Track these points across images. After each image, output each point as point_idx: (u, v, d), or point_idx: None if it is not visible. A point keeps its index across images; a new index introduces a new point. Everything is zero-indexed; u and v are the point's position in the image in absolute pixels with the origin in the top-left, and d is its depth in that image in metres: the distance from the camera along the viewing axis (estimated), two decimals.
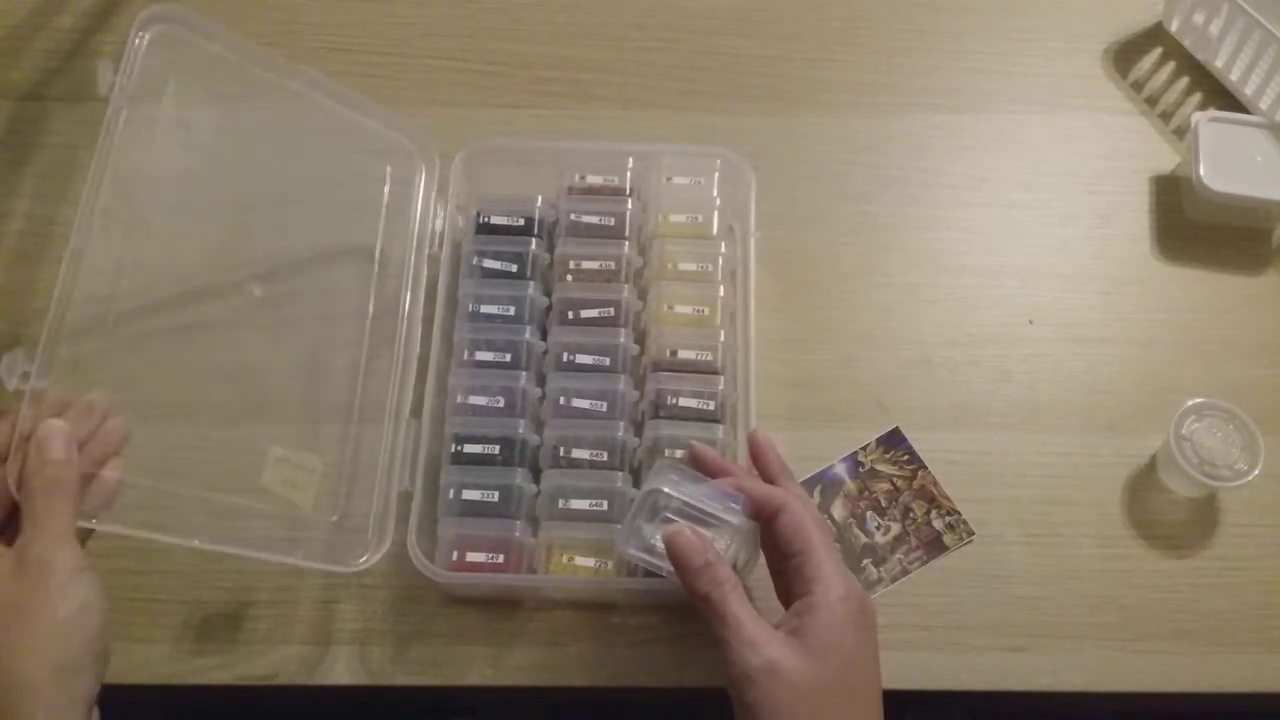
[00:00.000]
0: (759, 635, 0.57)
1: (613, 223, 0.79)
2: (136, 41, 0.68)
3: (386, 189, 0.80)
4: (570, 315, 0.76)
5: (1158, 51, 0.92)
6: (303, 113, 0.76)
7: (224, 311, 0.76)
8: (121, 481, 0.62)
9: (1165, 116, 0.90)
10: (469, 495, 0.70)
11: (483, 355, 0.74)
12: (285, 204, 0.79)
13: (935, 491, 0.75)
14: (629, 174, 0.80)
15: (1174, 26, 0.92)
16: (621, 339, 0.75)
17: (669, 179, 0.80)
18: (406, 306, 0.76)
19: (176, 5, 0.69)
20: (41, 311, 0.69)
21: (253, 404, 0.74)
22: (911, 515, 0.75)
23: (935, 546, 0.74)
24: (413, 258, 0.78)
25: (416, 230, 0.78)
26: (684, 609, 0.70)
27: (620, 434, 0.72)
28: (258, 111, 0.77)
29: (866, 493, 0.75)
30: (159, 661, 0.69)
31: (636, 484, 0.72)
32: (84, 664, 0.55)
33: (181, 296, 0.76)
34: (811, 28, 0.93)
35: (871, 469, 0.76)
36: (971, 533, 0.74)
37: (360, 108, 0.78)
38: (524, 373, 0.74)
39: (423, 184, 0.80)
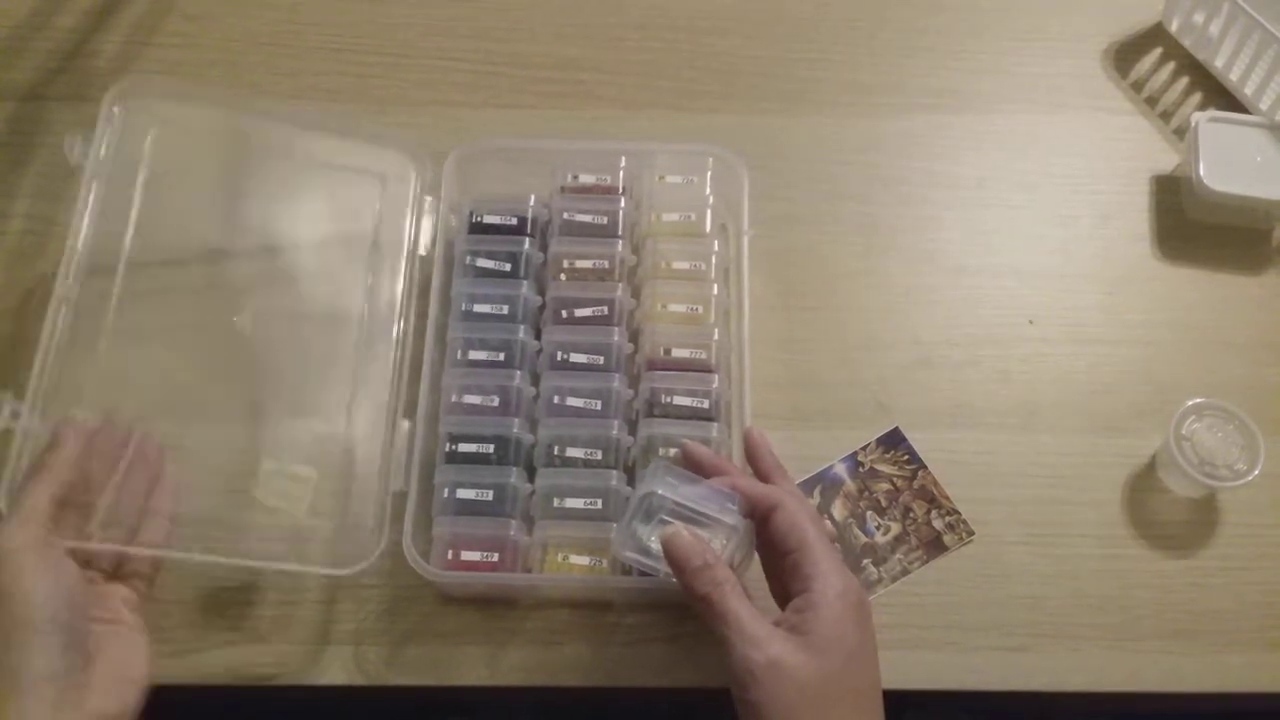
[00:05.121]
0: (761, 633, 0.57)
1: (605, 221, 0.78)
2: (110, 116, 0.73)
3: (380, 192, 0.79)
4: (564, 314, 0.76)
5: (1158, 51, 0.92)
6: (288, 146, 0.78)
7: (218, 312, 0.76)
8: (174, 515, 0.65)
9: (1165, 116, 0.89)
10: (464, 494, 0.70)
11: (476, 354, 0.74)
12: (278, 209, 0.79)
13: (935, 491, 0.75)
14: (621, 173, 0.80)
15: (1174, 26, 0.92)
16: (615, 338, 0.75)
17: (661, 177, 0.80)
18: (400, 306, 0.76)
19: (144, 77, 0.74)
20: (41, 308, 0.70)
21: (247, 406, 0.74)
22: (911, 515, 0.74)
23: (935, 546, 0.73)
24: (406, 258, 0.78)
25: (409, 231, 0.78)
26: (680, 608, 0.70)
27: (615, 432, 0.72)
28: (242, 156, 0.79)
29: (866, 493, 0.75)
30: (155, 660, 0.68)
31: (631, 482, 0.71)
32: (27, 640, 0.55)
33: (177, 296, 0.76)
34: (811, 28, 0.93)
35: (871, 469, 0.76)
36: (971, 533, 0.74)
37: (344, 130, 0.79)
38: (518, 372, 0.73)
39: (415, 185, 0.79)
